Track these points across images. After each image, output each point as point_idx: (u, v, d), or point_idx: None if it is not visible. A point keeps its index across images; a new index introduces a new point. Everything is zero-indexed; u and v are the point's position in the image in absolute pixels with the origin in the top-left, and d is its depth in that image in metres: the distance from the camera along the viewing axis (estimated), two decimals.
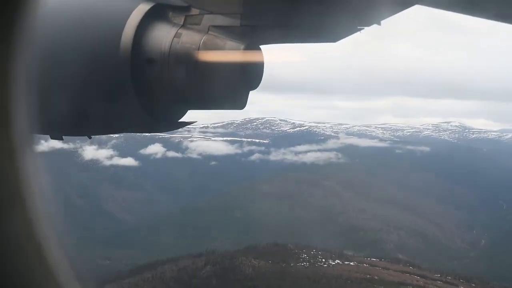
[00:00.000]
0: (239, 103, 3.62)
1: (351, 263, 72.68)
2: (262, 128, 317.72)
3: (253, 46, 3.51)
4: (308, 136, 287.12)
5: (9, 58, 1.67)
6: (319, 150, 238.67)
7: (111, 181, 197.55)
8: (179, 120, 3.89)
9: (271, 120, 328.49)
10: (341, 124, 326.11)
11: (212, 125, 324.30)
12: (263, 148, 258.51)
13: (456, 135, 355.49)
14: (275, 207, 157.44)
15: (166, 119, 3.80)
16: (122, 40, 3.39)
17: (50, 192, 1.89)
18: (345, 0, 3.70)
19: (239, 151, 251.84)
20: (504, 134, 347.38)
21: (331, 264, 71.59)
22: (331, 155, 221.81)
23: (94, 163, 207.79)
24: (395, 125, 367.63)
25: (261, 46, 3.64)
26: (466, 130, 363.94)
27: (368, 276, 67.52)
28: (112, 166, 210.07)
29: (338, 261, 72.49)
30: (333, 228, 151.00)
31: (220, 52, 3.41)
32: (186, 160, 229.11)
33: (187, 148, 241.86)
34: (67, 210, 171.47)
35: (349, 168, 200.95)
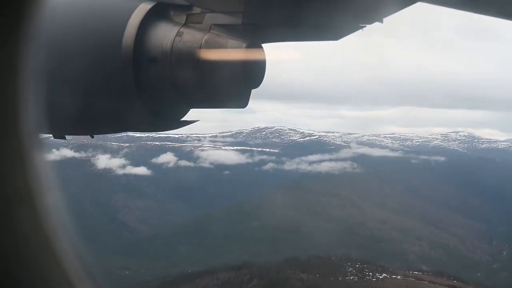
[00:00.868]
0: (241, 101, 3.59)
1: (398, 277, 70.53)
2: (271, 138, 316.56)
3: (255, 44, 3.50)
4: (318, 145, 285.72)
5: (13, 58, 1.67)
6: (332, 160, 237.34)
7: (124, 190, 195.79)
8: (182, 119, 3.85)
9: (280, 129, 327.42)
10: (350, 134, 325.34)
11: (221, 134, 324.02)
12: (274, 157, 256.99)
13: (466, 145, 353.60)
14: (293, 217, 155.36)
15: (169, 117, 3.78)
16: (124, 39, 3.41)
17: (58, 191, 1.89)
18: None
19: (250, 160, 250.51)
20: None
21: (379, 278, 69.36)
22: (346, 164, 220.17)
23: (107, 172, 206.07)
24: (404, 135, 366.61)
25: (263, 45, 3.62)
26: (476, 140, 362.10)
27: None
28: (124, 175, 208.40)
29: (385, 275, 70.30)
30: (355, 239, 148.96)
31: (222, 51, 3.42)
32: (199, 169, 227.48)
33: (198, 157, 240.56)
34: (81, 219, 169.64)
35: (365, 178, 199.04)
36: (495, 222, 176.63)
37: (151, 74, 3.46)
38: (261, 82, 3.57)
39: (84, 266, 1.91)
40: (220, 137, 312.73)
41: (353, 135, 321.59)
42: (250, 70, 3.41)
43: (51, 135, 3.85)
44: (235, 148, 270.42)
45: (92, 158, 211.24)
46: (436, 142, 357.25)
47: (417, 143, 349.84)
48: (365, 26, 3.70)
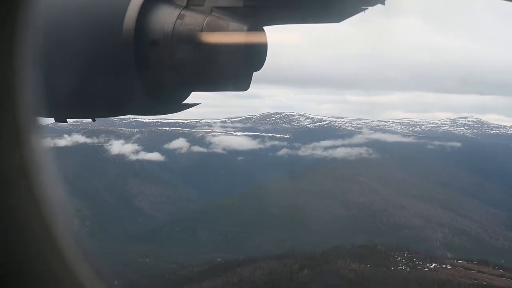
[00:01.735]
0: (243, 84, 3.60)
1: (448, 266, 68.66)
2: (281, 123, 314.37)
3: (256, 27, 3.50)
4: (329, 131, 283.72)
5: (13, 41, 1.67)
6: (346, 145, 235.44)
7: (138, 176, 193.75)
8: (183, 102, 3.87)
9: (290, 115, 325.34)
10: (360, 119, 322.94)
11: (230, 119, 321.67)
12: (285, 143, 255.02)
13: (475, 130, 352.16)
14: (313, 204, 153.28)
15: (170, 100, 3.79)
16: (125, 22, 3.41)
17: (55, 173, 1.89)
18: None
19: (262, 146, 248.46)
20: None
21: (430, 268, 67.52)
22: (362, 150, 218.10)
23: (120, 157, 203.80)
24: (412, 120, 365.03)
25: (264, 27, 3.63)
26: (485, 126, 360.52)
27: (475, 281, 63.39)
28: (138, 161, 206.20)
29: (435, 264, 68.43)
30: (378, 226, 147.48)
31: (223, 34, 3.43)
32: (212, 155, 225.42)
33: (210, 143, 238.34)
34: (97, 205, 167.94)
35: (382, 163, 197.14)
36: None
37: (152, 57, 3.43)
38: (263, 65, 3.55)
39: (81, 248, 1.90)
40: (229, 122, 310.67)
41: (362, 121, 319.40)
42: (251, 52, 3.41)
43: (53, 119, 3.72)
44: (245, 133, 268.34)
45: (105, 144, 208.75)
46: (445, 127, 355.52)
47: (427, 129, 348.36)
48: (367, 8, 3.60)
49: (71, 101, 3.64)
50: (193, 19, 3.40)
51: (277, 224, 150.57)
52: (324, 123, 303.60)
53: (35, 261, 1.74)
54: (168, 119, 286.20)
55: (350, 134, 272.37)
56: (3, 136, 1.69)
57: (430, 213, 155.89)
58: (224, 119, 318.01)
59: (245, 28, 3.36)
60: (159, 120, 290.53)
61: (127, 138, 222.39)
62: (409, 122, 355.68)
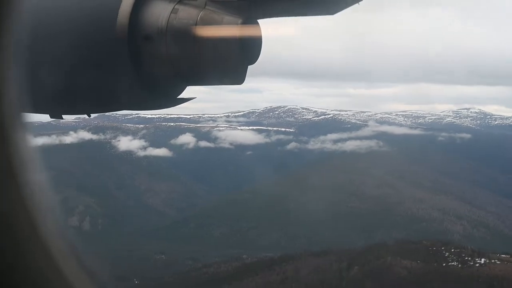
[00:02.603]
0: (238, 78, 3.59)
1: (497, 262, 66.72)
2: (285, 117, 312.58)
3: (250, 20, 3.50)
4: (334, 124, 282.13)
5: (3, 35, 1.64)
6: (355, 138, 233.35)
7: (147, 173, 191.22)
8: (178, 97, 3.85)
9: (293, 108, 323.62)
10: (363, 112, 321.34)
11: (233, 114, 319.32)
12: (291, 136, 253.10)
13: (478, 122, 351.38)
14: (327, 198, 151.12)
15: (165, 95, 3.75)
16: (118, 17, 3.40)
17: (42, 170, 1.85)
18: None
19: (268, 140, 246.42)
20: None
21: (480, 263, 65.53)
22: (371, 143, 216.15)
23: (128, 154, 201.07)
24: (415, 112, 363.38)
25: (259, 21, 3.63)
26: (488, 117, 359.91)
27: None
28: (145, 157, 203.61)
29: (485, 260, 66.51)
30: (395, 219, 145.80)
31: (217, 27, 3.43)
32: (220, 150, 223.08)
33: (216, 137, 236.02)
34: (107, 203, 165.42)
35: (393, 156, 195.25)
36: None
37: (146, 52, 3.38)
38: (258, 58, 3.55)
39: (68, 247, 1.87)
40: (233, 117, 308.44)
41: (366, 113, 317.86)
42: (246, 46, 3.41)
43: (48, 115, 3.72)
44: (250, 128, 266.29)
45: (112, 140, 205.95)
46: (448, 119, 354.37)
47: (430, 121, 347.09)
48: (362, 0, 3.61)
49: (65, 97, 3.55)
50: (187, 13, 3.39)
51: (292, 219, 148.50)
52: (328, 116, 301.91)
53: (23, 261, 1.71)
54: (170, 114, 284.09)
55: (355, 127, 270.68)
56: None
57: (446, 205, 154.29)
58: (227, 114, 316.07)
59: (240, 21, 3.35)
60: (162, 116, 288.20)
61: (133, 134, 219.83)
62: (412, 114, 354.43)
